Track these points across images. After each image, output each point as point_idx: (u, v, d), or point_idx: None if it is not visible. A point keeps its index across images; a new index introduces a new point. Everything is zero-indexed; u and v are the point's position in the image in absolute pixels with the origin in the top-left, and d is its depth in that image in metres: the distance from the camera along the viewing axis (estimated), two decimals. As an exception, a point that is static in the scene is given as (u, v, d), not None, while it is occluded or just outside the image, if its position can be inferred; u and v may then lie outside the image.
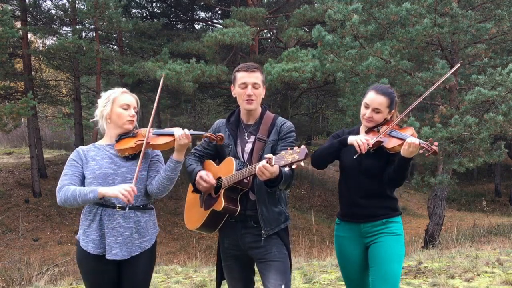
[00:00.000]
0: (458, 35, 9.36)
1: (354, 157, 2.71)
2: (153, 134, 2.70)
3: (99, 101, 2.80)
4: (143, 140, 2.65)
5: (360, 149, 2.67)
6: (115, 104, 2.73)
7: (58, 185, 2.64)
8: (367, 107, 2.85)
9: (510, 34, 9.90)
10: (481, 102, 9.18)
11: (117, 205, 2.60)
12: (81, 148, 2.78)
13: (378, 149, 2.77)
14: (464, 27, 9.11)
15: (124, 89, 2.81)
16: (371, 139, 2.72)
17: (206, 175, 2.69)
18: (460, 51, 10.06)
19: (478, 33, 9.34)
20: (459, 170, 9.54)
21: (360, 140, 2.69)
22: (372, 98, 2.83)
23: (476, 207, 19.36)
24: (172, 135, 2.62)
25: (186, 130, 2.60)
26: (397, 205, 2.92)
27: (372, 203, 2.81)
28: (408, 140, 2.60)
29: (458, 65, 3.22)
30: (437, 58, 9.86)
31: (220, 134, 2.64)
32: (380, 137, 2.74)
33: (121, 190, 2.47)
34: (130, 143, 2.68)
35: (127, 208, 2.54)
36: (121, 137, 2.74)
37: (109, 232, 2.59)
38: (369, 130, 2.88)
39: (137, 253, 2.65)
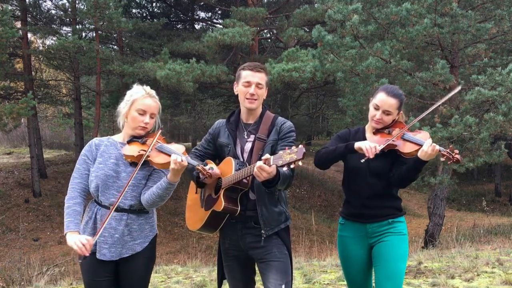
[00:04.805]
0: (458, 35, 9.35)
1: (362, 161, 2.68)
2: (157, 147, 2.61)
3: (127, 93, 2.74)
4: (145, 152, 2.59)
5: (368, 154, 2.63)
6: (133, 106, 2.67)
7: (70, 181, 2.67)
8: (377, 108, 2.82)
9: (510, 34, 9.90)
10: (481, 102, 9.18)
11: (110, 207, 2.60)
12: (94, 141, 2.75)
13: (388, 151, 2.76)
14: (464, 27, 9.11)
15: (148, 92, 2.71)
16: (379, 144, 2.69)
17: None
18: (460, 51, 10.06)
19: (478, 33, 9.34)
20: (459, 170, 9.54)
21: (369, 145, 2.64)
22: (383, 100, 2.80)
23: (476, 207, 19.33)
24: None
25: (184, 157, 2.48)
26: (401, 205, 2.93)
27: (380, 204, 2.81)
28: (429, 142, 2.60)
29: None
30: (437, 58, 9.86)
31: (209, 172, 2.51)
32: (393, 140, 2.74)
33: (76, 242, 2.47)
34: (134, 150, 2.63)
35: (83, 258, 2.49)
36: (132, 139, 2.71)
37: (100, 232, 2.59)
38: (377, 132, 2.87)
39: (127, 255, 2.63)
